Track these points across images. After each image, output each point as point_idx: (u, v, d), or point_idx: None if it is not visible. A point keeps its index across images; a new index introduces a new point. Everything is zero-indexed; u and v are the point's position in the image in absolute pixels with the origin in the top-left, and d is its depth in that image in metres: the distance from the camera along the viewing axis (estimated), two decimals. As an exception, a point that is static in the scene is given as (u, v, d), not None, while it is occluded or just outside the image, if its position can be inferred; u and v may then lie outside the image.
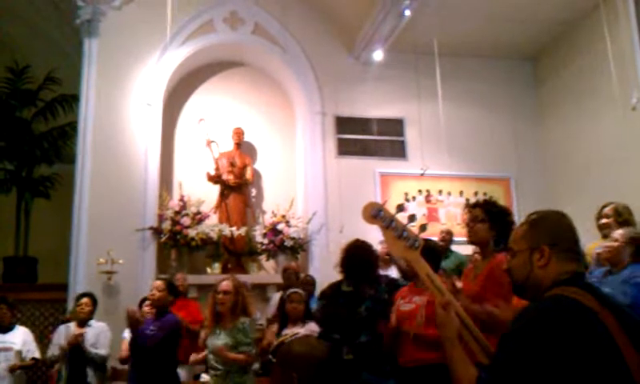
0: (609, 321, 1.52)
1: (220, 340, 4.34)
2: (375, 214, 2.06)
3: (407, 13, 7.45)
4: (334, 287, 4.16)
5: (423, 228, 2.15)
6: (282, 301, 5.36)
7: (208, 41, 8.34)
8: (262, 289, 7.63)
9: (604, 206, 4.60)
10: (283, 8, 8.48)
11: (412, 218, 2.09)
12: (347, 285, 4.05)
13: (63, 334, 5.73)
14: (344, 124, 8.50)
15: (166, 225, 7.56)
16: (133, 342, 4.83)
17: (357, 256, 4.08)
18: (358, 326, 3.89)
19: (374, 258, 4.16)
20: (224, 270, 7.61)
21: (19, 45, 9.52)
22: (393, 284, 4.22)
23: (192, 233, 7.55)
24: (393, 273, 5.98)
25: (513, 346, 1.54)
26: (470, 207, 3.30)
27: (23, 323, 7.25)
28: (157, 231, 7.55)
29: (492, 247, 3.17)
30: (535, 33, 8.56)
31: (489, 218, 3.18)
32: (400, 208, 2.07)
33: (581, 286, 1.63)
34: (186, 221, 7.60)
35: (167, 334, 4.69)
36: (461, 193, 8.52)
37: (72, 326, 5.76)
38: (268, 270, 8.12)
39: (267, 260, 8.05)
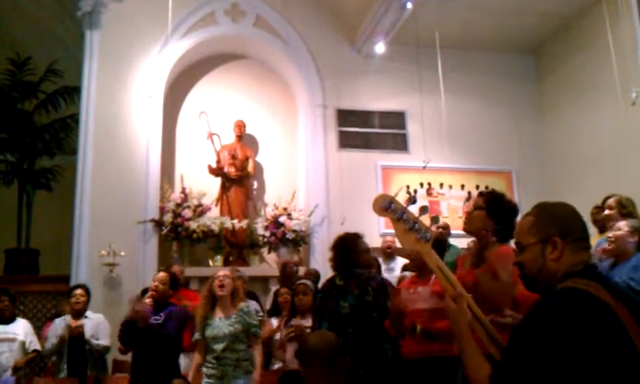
0: (622, 314, 1.49)
1: (227, 326, 4.38)
2: (386, 206, 2.05)
3: (409, 5, 7.47)
4: (330, 281, 4.26)
5: (424, 210, 2.14)
6: (275, 295, 5.68)
7: (209, 33, 8.33)
8: (263, 281, 7.65)
9: (607, 198, 4.61)
10: (285, 0, 8.47)
11: (423, 209, 2.09)
12: (340, 279, 4.12)
13: (60, 326, 5.62)
14: (345, 117, 8.50)
15: (168, 217, 7.56)
16: (140, 331, 4.65)
17: (339, 249, 4.14)
18: (343, 320, 3.90)
19: (355, 248, 4.12)
20: (226, 263, 7.63)
21: (20, 37, 9.48)
22: (382, 286, 4.16)
23: (193, 225, 7.55)
24: (396, 265, 6.02)
25: (525, 341, 1.51)
26: (477, 196, 3.32)
27: (25, 315, 7.27)
28: (158, 223, 7.56)
29: (492, 239, 3.09)
30: (537, 26, 8.55)
31: (486, 206, 3.14)
32: (411, 200, 2.07)
33: (593, 277, 1.58)
34: (187, 213, 7.61)
35: (180, 322, 4.69)
36: (462, 186, 8.50)
37: (68, 318, 5.66)
38: (270, 263, 8.12)
39: (269, 253, 8.04)
